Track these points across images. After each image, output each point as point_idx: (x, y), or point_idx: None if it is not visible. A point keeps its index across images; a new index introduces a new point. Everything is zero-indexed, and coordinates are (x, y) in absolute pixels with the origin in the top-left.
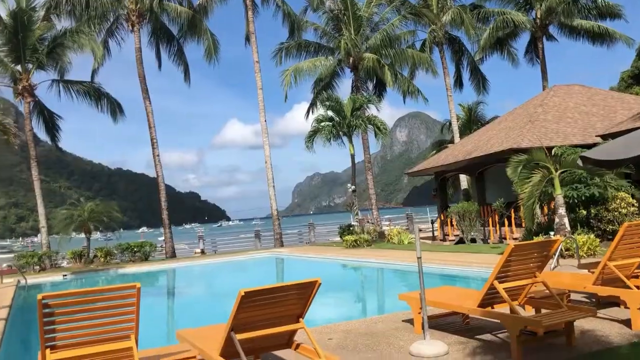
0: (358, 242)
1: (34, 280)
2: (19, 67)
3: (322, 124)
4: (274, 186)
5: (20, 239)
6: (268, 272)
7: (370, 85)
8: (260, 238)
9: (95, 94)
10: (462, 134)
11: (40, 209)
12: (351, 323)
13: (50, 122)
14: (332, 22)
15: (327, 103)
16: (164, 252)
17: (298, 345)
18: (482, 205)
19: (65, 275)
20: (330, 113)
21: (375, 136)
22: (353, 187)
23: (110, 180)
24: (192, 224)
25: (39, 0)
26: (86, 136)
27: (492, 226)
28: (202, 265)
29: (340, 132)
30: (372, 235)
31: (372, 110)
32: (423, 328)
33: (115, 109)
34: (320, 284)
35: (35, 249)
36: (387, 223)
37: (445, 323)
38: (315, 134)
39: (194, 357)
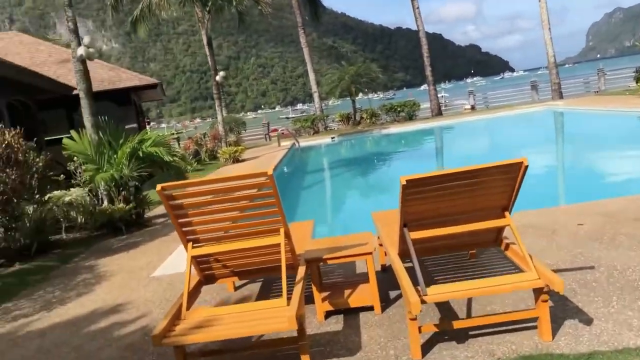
0: None
1: (306, 143)
2: None
3: None
4: (549, 29)
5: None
6: (538, 129)
7: None
8: (537, 89)
9: None
10: None
11: (311, 75)
12: (618, 201)
13: None
14: None
15: None
16: (429, 110)
17: (507, 246)
18: None
19: (333, 138)
20: None
21: None
22: None
23: (391, 40)
24: (474, 78)
25: None
26: None
27: None
28: (468, 122)
29: None
30: None
31: None
32: None
33: None
34: (526, 166)
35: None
36: None
37: None
38: None
39: (369, 253)
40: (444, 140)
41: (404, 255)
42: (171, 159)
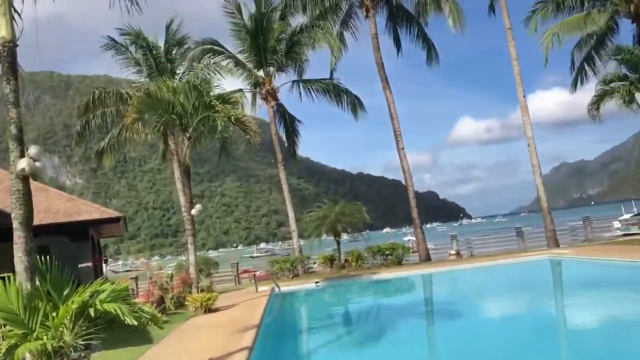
0: None
1: (287, 287)
2: (261, 72)
3: (613, 84)
4: (540, 173)
5: (280, 242)
6: (560, 283)
7: None
8: (523, 237)
9: (335, 90)
10: None
11: (290, 213)
12: None
13: (291, 127)
14: None
15: (620, 57)
16: (417, 254)
17: None
18: None
19: (318, 283)
20: (623, 69)
21: None
22: None
23: (352, 185)
24: (434, 223)
25: (275, 0)
26: (329, 145)
27: None
28: (462, 271)
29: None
30: None
31: None
32: None
33: (356, 105)
34: None
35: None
36: None
37: None
38: (602, 99)
39: None
40: (446, 291)
41: None
42: (135, 323)
